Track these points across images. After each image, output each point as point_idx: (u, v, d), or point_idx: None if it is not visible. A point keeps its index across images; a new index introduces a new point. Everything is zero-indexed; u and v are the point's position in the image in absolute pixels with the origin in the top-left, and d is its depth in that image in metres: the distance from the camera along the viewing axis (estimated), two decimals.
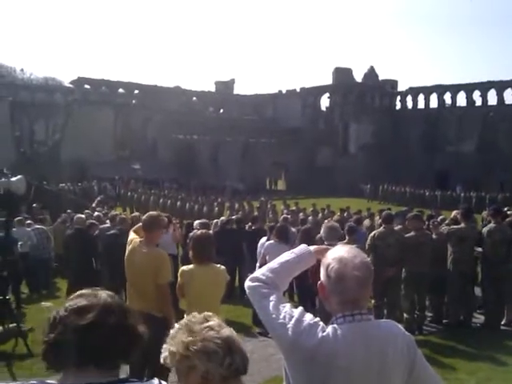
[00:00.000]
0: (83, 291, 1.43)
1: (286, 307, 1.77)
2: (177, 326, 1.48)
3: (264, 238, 8.68)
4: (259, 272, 1.95)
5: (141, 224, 4.90)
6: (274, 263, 1.98)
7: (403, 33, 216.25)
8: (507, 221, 8.43)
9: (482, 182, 38.66)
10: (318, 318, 1.74)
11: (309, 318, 1.73)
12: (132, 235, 4.85)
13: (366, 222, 13.40)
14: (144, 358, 3.82)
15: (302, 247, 2.05)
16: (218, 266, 4.63)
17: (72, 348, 1.28)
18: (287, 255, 2.00)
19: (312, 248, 2.03)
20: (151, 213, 4.91)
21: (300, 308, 1.78)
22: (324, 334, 1.67)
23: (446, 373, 5.72)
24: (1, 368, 5.77)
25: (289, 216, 14.67)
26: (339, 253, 1.77)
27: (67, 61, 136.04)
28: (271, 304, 1.78)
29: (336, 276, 1.71)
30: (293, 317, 1.71)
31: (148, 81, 79.16)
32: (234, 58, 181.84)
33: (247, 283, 1.92)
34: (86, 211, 14.61)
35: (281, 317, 1.73)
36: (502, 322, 7.80)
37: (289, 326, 1.69)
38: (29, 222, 11.56)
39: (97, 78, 48.35)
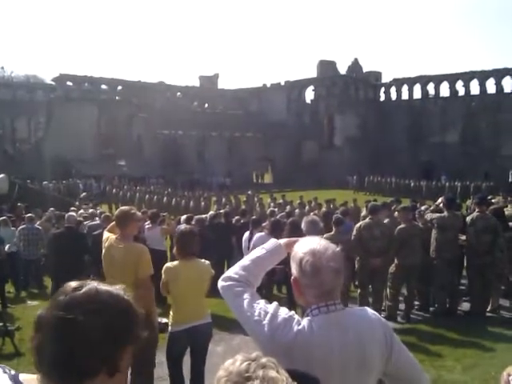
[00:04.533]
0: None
1: (261, 304, 1.76)
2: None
3: (247, 233, 8.70)
4: (231, 271, 1.94)
5: (113, 222, 4.80)
6: (245, 260, 1.97)
7: (386, 24, 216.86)
8: (491, 209, 8.51)
9: (467, 172, 39.13)
10: (292, 312, 1.74)
11: (284, 312, 1.72)
12: (106, 234, 4.75)
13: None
14: None
15: (272, 242, 2.04)
16: (203, 260, 4.62)
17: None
18: (258, 251, 2.00)
19: (281, 241, 2.03)
20: (122, 208, 4.80)
21: (274, 303, 1.78)
22: (300, 327, 1.67)
23: (432, 360, 5.80)
24: None
25: (276, 209, 14.71)
26: (310, 246, 1.75)
27: (49, 58, 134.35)
28: (245, 302, 1.77)
29: (312, 269, 1.69)
30: (268, 313, 1.71)
31: (131, 77, 78.44)
32: (217, 52, 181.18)
33: (220, 283, 1.91)
34: (72, 209, 14.47)
35: (256, 314, 1.72)
36: (488, 309, 7.89)
37: (264, 322, 1.69)
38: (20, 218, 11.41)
39: (79, 74, 47.80)
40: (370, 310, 1.84)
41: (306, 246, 1.77)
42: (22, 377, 1.21)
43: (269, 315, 1.70)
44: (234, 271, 1.92)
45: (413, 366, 1.84)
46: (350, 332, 1.69)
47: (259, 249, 2.01)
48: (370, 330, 1.74)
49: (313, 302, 1.72)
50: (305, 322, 1.69)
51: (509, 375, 2.18)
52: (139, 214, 5.49)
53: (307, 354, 1.64)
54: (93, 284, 1.20)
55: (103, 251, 4.63)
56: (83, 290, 1.17)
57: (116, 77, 50.53)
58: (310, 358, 1.64)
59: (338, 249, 1.80)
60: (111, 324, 1.13)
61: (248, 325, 1.75)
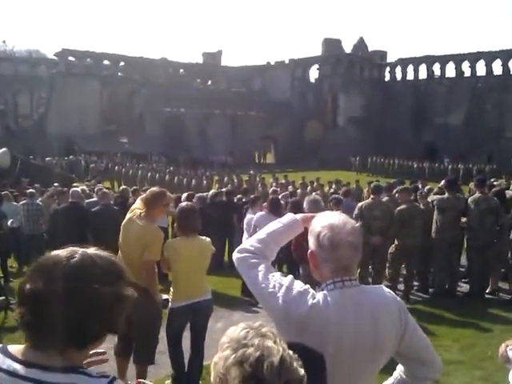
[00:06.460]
0: None
1: (276, 276, 1.75)
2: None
3: (249, 216, 8.71)
4: (247, 243, 1.92)
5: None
6: (261, 233, 1.95)
7: (392, 3, 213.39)
8: (493, 191, 8.50)
9: (470, 154, 38.90)
10: (307, 286, 1.73)
11: (299, 285, 1.71)
12: (137, 204, 4.64)
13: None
14: (129, 327, 3.75)
15: (289, 216, 2.02)
16: (204, 237, 4.62)
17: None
18: (274, 225, 1.98)
19: (298, 216, 2.01)
20: (153, 189, 4.65)
21: (290, 276, 1.77)
22: (314, 301, 1.66)
23: (431, 340, 5.78)
24: None
25: (278, 189, 14.71)
26: (329, 220, 1.74)
27: (51, 33, 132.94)
28: (260, 274, 1.76)
29: (330, 244, 1.68)
30: (282, 285, 1.70)
31: (134, 52, 77.79)
32: (221, 29, 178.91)
33: (235, 255, 1.90)
34: (75, 184, 14.49)
35: (270, 286, 1.71)
36: (486, 291, 7.94)
37: (279, 294, 1.67)
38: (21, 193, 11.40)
39: (81, 49, 47.31)
40: (385, 288, 1.82)
41: (325, 220, 1.75)
42: (11, 348, 1.21)
43: (284, 288, 1.69)
44: (249, 243, 1.91)
45: (426, 347, 1.83)
46: (365, 309, 1.69)
47: (276, 222, 1.99)
48: (385, 308, 1.73)
49: (329, 277, 1.71)
50: (320, 296, 1.68)
51: (507, 346, 2.20)
52: (171, 197, 5.31)
53: (321, 328, 1.63)
54: (82, 250, 1.20)
55: (125, 219, 4.57)
56: (77, 257, 1.16)
57: (118, 52, 50.07)
58: (324, 332, 1.63)
59: (357, 224, 1.79)
60: (112, 287, 1.15)
61: (262, 297, 1.74)
